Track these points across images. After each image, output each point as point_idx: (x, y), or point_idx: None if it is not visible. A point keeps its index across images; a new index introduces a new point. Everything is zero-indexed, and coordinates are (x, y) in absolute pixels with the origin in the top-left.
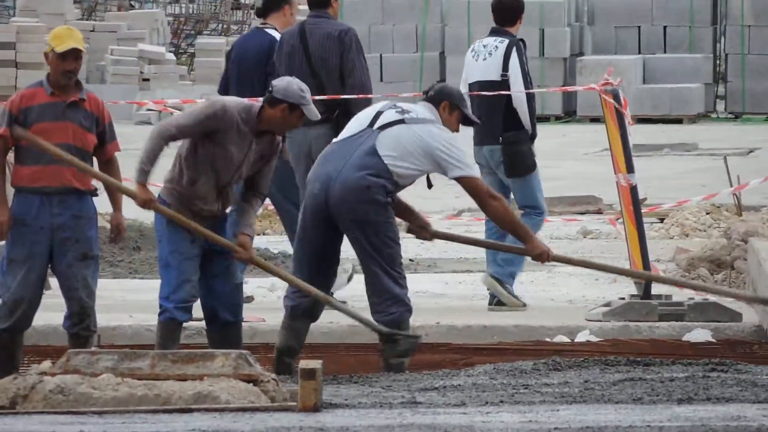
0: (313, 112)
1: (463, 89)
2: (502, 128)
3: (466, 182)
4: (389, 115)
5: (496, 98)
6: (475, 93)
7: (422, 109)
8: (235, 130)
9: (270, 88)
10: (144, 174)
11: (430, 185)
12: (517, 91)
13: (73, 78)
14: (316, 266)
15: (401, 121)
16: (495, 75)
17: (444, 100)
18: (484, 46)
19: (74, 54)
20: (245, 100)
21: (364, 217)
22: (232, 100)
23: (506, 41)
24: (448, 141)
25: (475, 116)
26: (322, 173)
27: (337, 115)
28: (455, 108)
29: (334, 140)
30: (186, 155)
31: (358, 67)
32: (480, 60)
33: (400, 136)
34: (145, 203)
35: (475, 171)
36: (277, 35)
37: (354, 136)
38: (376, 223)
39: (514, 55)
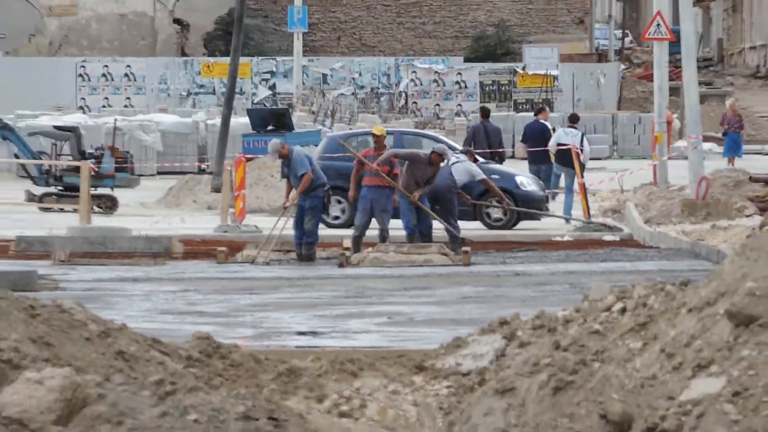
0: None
1: (553, 143)
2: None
3: (483, 180)
4: (454, 159)
5: (569, 151)
6: (564, 148)
7: (461, 155)
8: (423, 165)
9: (434, 148)
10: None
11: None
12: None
13: (378, 145)
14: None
15: (458, 161)
16: (576, 144)
17: (468, 152)
18: (568, 132)
19: (374, 137)
20: (424, 152)
21: (447, 197)
22: (422, 153)
23: (579, 132)
24: (474, 167)
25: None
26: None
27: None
28: (472, 156)
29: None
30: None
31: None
32: (569, 137)
33: (458, 166)
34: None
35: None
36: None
37: (445, 166)
38: (449, 200)
39: (584, 138)
